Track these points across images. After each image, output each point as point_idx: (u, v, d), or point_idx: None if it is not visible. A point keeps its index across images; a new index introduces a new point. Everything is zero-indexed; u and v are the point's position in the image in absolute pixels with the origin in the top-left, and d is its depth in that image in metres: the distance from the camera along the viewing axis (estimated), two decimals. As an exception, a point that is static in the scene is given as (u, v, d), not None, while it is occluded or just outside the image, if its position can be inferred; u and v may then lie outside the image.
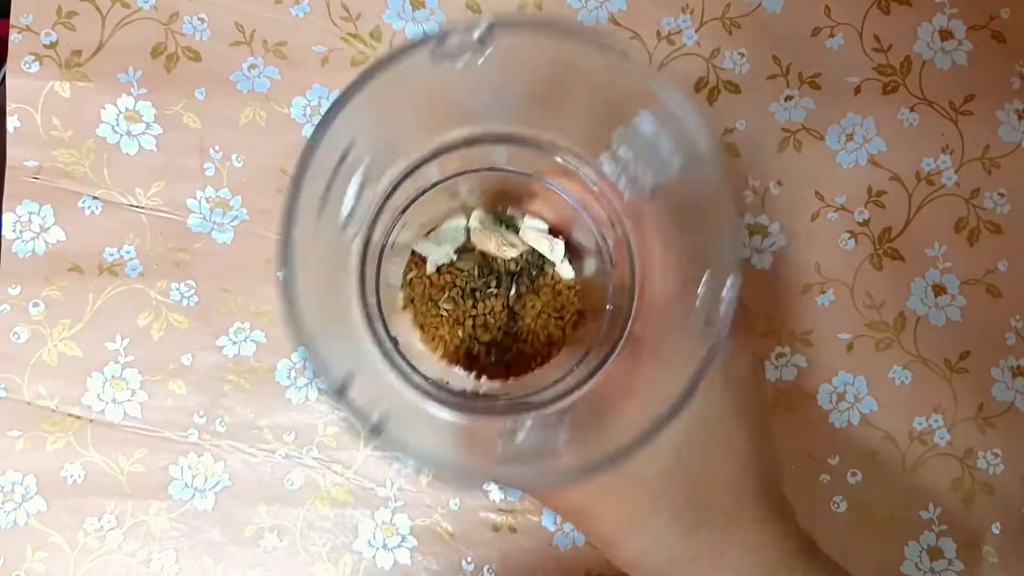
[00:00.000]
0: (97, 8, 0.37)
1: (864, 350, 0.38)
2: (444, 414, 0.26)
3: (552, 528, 0.37)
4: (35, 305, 0.37)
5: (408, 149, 0.27)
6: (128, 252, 0.37)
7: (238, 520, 0.37)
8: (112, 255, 0.37)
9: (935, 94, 0.38)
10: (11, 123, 0.37)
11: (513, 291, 0.32)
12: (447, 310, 0.32)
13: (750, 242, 0.38)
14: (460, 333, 0.32)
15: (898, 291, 0.38)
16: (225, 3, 0.37)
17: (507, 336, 0.32)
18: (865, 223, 0.38)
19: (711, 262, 0.22)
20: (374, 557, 0.37)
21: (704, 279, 0.21)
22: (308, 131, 0.37)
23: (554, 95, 0.26)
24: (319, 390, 0.22)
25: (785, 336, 0.38)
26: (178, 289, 0.37)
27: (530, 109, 0.26)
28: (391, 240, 0.29)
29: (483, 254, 0.32)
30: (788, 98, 0.38)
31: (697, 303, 0.22)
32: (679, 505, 0.27)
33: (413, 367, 0.27)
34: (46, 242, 0.37)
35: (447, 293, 0.32)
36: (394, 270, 0.32)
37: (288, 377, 0.37)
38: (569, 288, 0.32)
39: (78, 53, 0.37)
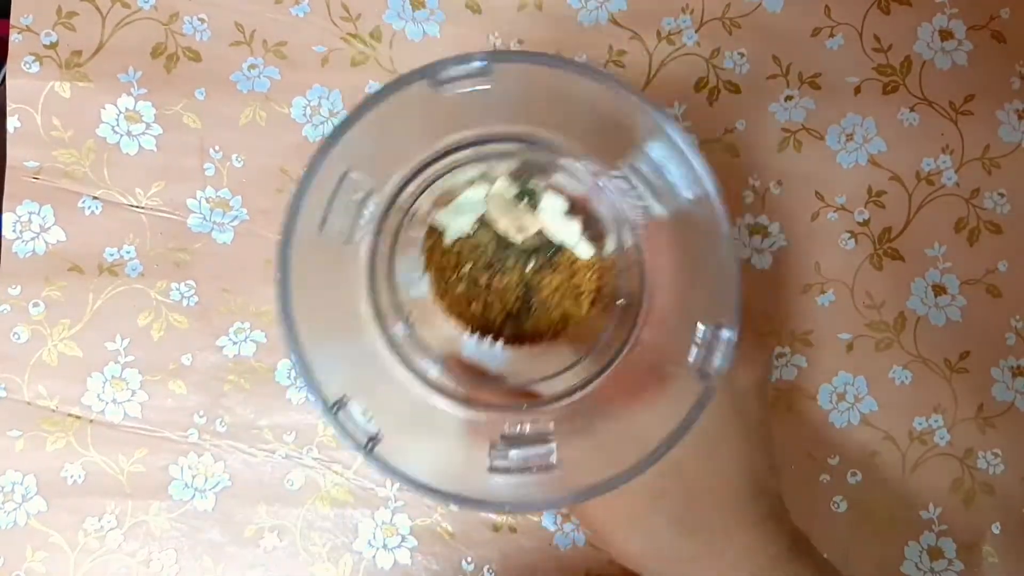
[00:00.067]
0: (97, 8, 0.37)
1: (864, 350, 0.38)
2: (448, 407, 0.26)
3: (552, 528, 0.37)
4: (35, 305, 0.37)
5: (414, 152, 0.27)
6: (128, 252, 0.37)
7: (238, 520, 0.37)
8: (112, 255, 0.37)
9: (935, 94, 0.38)
10: (11, 123, 0.37)
11: (530, 265, 0.32)
12: (464, 281, 0.32)
13: (750, 242, 0.38)
14: (475, 304, 0.33)
15: (898, 291, 0.38)
16: (225, 3, 0.37)
17: (523, 309, 0.33)
18: (865, 223, 0.38)
19: (708, 310, 0.22)
20: (374, 557, 0.37)
21: (701, 330, 0.22)
22: (308, 131, 0.37)
23: (561, 109, 0.26)
24: (319, 409, 0.22)
25: (785, 336, 0.38)
26: (178, 289, 0.37)
27: (537, 117, 0.26)
28: (413, 212, 0.29)
29: None
30: (788, 98, 0.38)
31: (691, 356, 0.22)
32: (677, 507, 0.27)
33: (423, 350, 0.27)
34: (46, 242, 0.37)
35: (464, 265, 0.33)
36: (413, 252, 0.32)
37: (288, 377, 0.37)
38: (587, 267, 0.33)
39: (78, 53, 0.37)
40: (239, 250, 0.37)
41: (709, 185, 0.22)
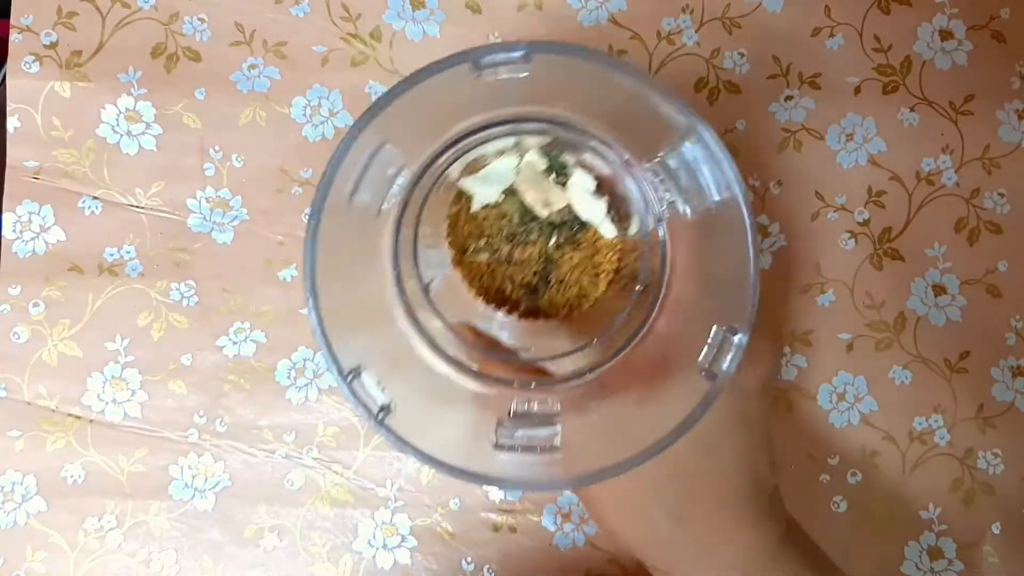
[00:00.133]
0: (97, 8, 0.37)
1: (864, 350, 0.38)
2: (460, 379, 0.26)
3: (552, 528, 0.37)
4: (35, 305, 0.37)
5: (448, 128, 0.27)
6: (128, 252, 0.37)
7: (238, 520, 0.37)
8: (112, 255, 0.37)
9: (935, 94, 0.38)
10: (11, 123, 0.37)
11: (553, 240, 0.32)
12: (485, 249, 0.33)
13: (750, 242, 0.38)
14: (496, 273, 0.33)
15: (898, 291, 0.38)
16: (225, 3, 0.37)
17: (541, 282, 0.33)
18: (865, 223, 0.38)
19: (723, 312, 0.23)
20: (374, 557, 0.37)
21: (713, 331, 0.22)
22: (308, 131, 0.37)
23: (595, 99, 0.26)
24: (335, 375, 0.23)
25: (785, 336, 0.38)
26: (178, 289, 0.37)
27: (571, 103, 0.26)
28: (443, 179, 0.30)
29: None
30: (788, 98, 0.38)
31: (701, 355, 0.23)
32: (675, 498, 0.28)
33: (441, 317, 0.28)
34: (46, 242, 0.37)
35: (487, 232, 0.33)
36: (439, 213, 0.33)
37: (288, 377, 0.37)
38: (609, 247, 0.33)
39: (78, 53, 0.37)
40: (239, 250, 0.37)
41: (738, 191, 0.22)
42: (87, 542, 0.37)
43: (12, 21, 0.37)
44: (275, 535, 0.37)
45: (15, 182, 0.37)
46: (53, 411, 0.37)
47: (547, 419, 0.25)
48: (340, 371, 0.22)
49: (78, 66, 0.37)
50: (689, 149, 0.23)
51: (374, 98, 0.22)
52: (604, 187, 0.32)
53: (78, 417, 0.37)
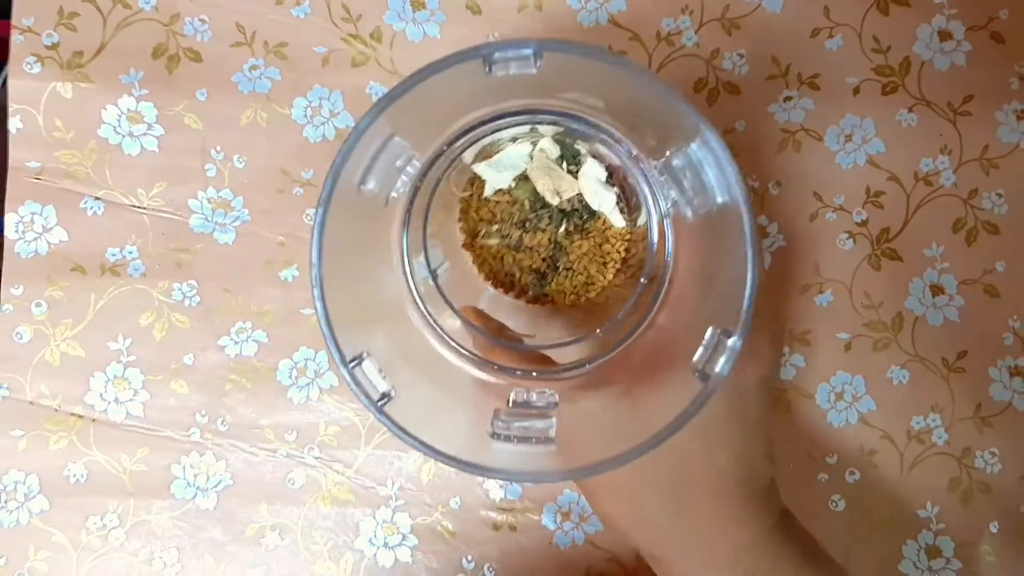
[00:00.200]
0: (98, 9, 0.37)
1: (862, 350, 0.38)
2: (463, 364, 0.27)
3: (552, 527, 0.37)
4: (37, 305, 0.37)
5: (458, 121, 0.27)
6: (130, 252, 0.37)
7: (240, 519, 0.37)
8: (114, 255, 0.37)
9: (934, 95, 0.38)
10: (13, 124, 0.37)
11: (563, 228, 0.33)
12: (496, 234, 0.33)
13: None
14: (505, 258, 0.34)
15: (896, 291, 0.38)
16: (226, 4, 0.37)
17: (549, 269, 0.34)
18: (863, 223, 0.38)
19: (720, 314, 0.23)
20: (375, 555, 0.37)
21: (709, 333, 0.22)
22: (309, 132, 0.38)
23: (605, 96, 0.26)
24: (337, 361, 0.23)
25: (785, 337, 0.38)
26: (180, 289, 0.37)
27: (581, 99, 0.27)
28: (456, 164, 0.30)
29: None
30: (787, 99, 0.38)
31: (696, 356, 0.23)
32: (668, 486, 0.28)
33: (447, 301, 0.28)
34: (48, 242, 0.37)
35: (498, 217, 0.33)
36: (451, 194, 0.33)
37: (290, 376, 0.37)
38: (618, 236, 0.33)
39: (80, 54, 0.37)
40: (240, 250, 0.38)
41: (739, 196, 0.22)
42: (89, 541, 0.37)
43: (13, 22, 0.37)
44: (277, 534, 0.37)
45: (17, 183, 0.37)
46: (56, 410, 0.37)
47: (543, 411, 0.25)
48: (342, 358, 0.23)
49: (79, 67, 0.37)
50: (695, 150, 0.23)
51: (375, 99, 0.22)
52: (615, 177, 0.33)
53: (80, 416, 0.37)
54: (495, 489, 0.38)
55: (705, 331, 0.23)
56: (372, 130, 0.22)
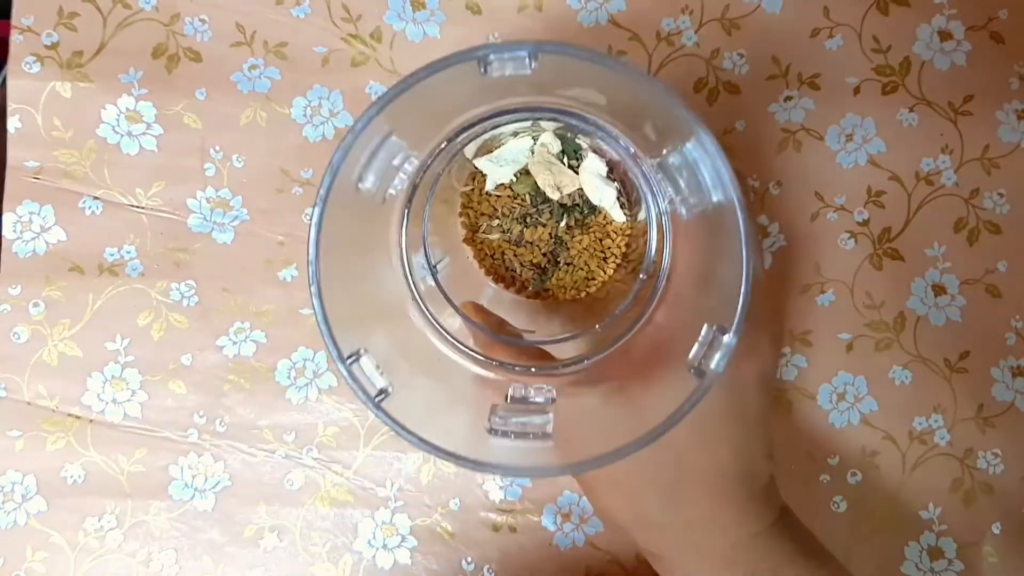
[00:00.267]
0: (98, 9, 0.37)
1: (864, 350, 0.38)
2: (462, 360, 0.27)
3: (552, 528, 0.37)
4: (35, 305, 0.37)
5: (455, 121, 0.28)
6: (128, 252, 0.37)
7: (238, 520, 0.37)
8: (112, 255, 0.37)
9: (934, 94, 0.38)
10: (12, 123, 0.37)
11: (563, 223, 0.33)
12: (497, 229, 0.33)
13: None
14: (506, 253, 0.34)
15: (898, 291, 0.38)
16: (226, 4, 0.37)
17: (550, 263, 0.34)
18: (865, 223, 0.38)
19: (717, 311, 0.23)
20: (374, 557, 0.37)
21: (704, 330, 0.23)
22: (308, 131, 0.37)
23: (602, 97, 0.26)
24: (334, 358, 0.23)
25: (785, 336, 0.38)
26: (178, 289, 0.37)
27: (579, 99, 0.27)
28: (456, 158, 0.30)
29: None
30: (787, 99, 0.38)
31: (691, 353, 0.23)
32: (666, 480, 0.28)
33: (447, 297, 0.28)
34: (46, 242, 0.37)
35: (499, 212, 0.34)
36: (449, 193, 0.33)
37: (288, 377, 0.37)
38: (618, 232, 0.33)
39: (79, 54, 0.37)
40: (239, 250, 0.37)
41: (734, 195, 0.22)
42: (87, 542, 0.37)
43: (13, 21, 0.37)
44: (275, 535, 0.37)
45: (16, 182, 0.37)
46: (53, 411, 0.37)
47: (541, 407, 0.25)
48: (340, 354, 0.23)
49: (79, 66, 0.37)
50: (691, 149, 0.23)
51: (374, 99, 0.22)
52: (615, 172, 0.33)
53: (78, 417, 0.37)
54: (495, 490, 0.37)
55: (701, 328, 0.23)
56: (370, 129, 0.23)
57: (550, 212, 0.34)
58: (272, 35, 0.37)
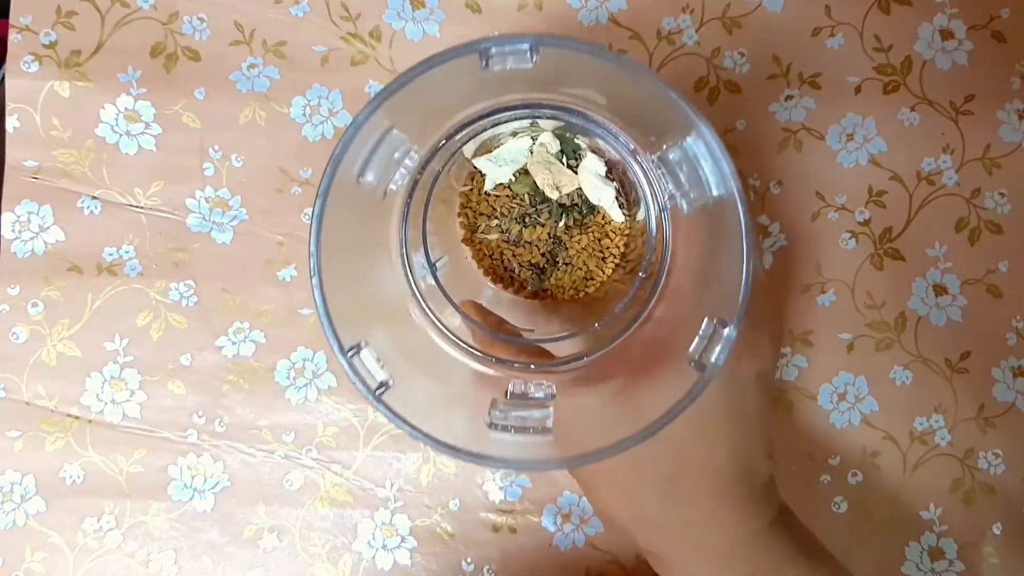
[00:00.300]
0: (96, 8, 0.37)
1: (865, 350, 0.37)
2: (462, 357, 0.27)
3: (552, 528, 0.37)
4: (34, 305, 0.37)
5: (457, 115, 0.28)
6: (127, 252, 0.37)
7: (237, 520, 0.37)
8: (111, 255, 0.37)
9: (935, 94, 0.38)
10: (10, 123, 0.37)
11: (562, 222, 0.33)
12: (496, 229, 0.33)
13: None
14: (505, 253, 0.34)
15: (899, 291, 0.38)
16: (225, 2, 0.37)
17: (549, 263, 0.34)
18: (866, 223, 0.38)
19: (717, 305, 0.23)
20: (374, 557, 0.37)
21: (705, 323, 0.23)
22: (308, 131, 0.37)
23: (602, 91, 0.26)
24: (335, 350, 0.23)
25: (785, 336, 0.38)
26: (177, 289, 0.37)
27: (579, 94, 0.27)
28: (455, 157, 0.30)
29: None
30: (788, 98, 0.38)
31: (692, 346, 0.23)
32: (663, 478, 0.28)
33: (447, 295, 0.28)
34: (45, 242, 0.37)
35: (498, 212, 0.34)
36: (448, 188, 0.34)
37: (287, 377, 0.37)
38: (617, 231, 0.33)
39: (77, 53, 0.37)
40: (238, 250, 0.37)
41: (734, 188, 0.22)
42: (86, 542, 0.37)
43: (11, 20, 0.37)
44: (274, 535, 0.37)
45: (14, 182, 0.37)
46: (52, 411, 0.37)
47: (541, 401, 0.25)
48: (340, 346, 0.23)
49: (77, 66, 0.37)
50: (691, 144, 0.23)
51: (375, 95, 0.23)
52: (614, 172, 0.33)
53: (77, 417, 0.37)
54: (495, 491, 0.37)
55: (701, 322, 0.23)
56: (371, 122, 0.23)
57: (549, 212, 0.34)
58: (271, 34, 0.37)
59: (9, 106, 0.37)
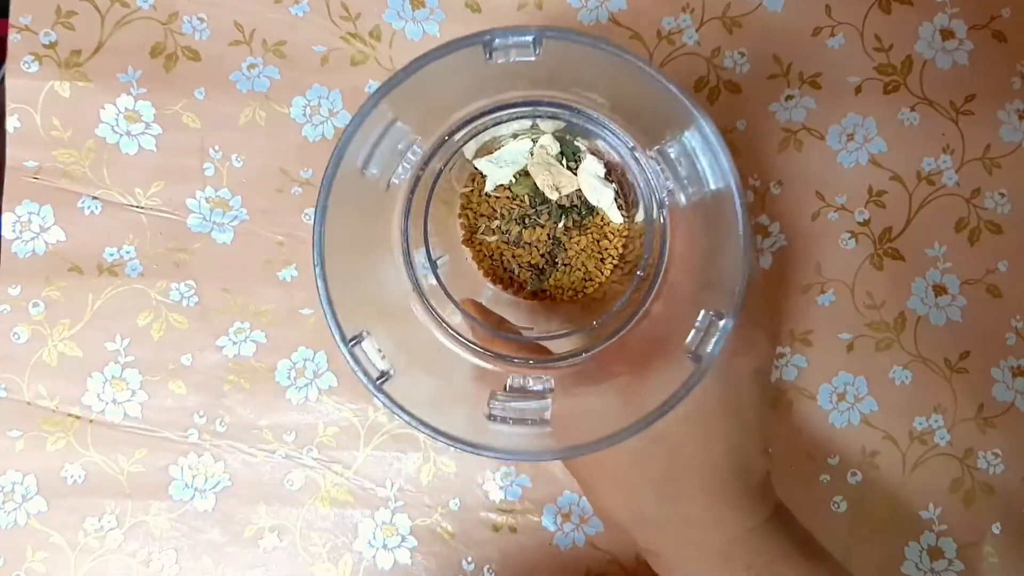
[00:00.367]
0: (96, 8, 0.37)
1: (864, 350, 0.37)
2: (462, 352, 0.27)
3: (552, 528, 0.37)
4: (35, 305, 0.37)
5: (460, 109, 0.28)
6: (128, 252, 0.37)
7: (238, 520, 0.37)
8: (112, 255, 0.37)
9: (936, 94, 0.38)
10: (11, 123, 0.37)
11: (561, 224, 0.33)
12: (495, 229, 0.33)
13: (750, 242, 0.38)
14: (504, 254, 0.34)
15: (898, 291, 0.38)
16: (224, 2, 0.37)
17: (548, 264, 0.34)
18: (865, 223, 0.38)
19: (713, 298, 0.23)
20: (374, 557, 0.37)
21: (701, 316, 0.23)
22: (308, 131, 0.37)
23: (603, 86, 0.26)
24: (336, 340, 0.23)
25: (785, 336, 0.38)
26: (178, 289, 0.37)
27: (580, 89, 0.27)
28: (457, 157, 0.30)
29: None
30: (789, 98, 0.38)
31: (688, 338, 0.23)
32: (660, 473, 0.28)
33: (448, 293, 0.28)
34: (46, 242, 0.37)
35: (499, 213, 0.34)
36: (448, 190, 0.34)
37: (288, 377, 0.37)
38: (615, 232, 0.33)
39: (77, 53, 0.37)
40: (239, 250, 0.37)
41: (732, 181, 0.22)
42: (87, 542, 0.37)
43: (11, 20, 0.37)
44: (275, 535, 0.37)
45: (15, 182, 0.37)
46: (53, 411, 0.37)
47: (539, 394, 0.25)
48: (343, 336, 0.23)
49: (77, 66, 0.37)
50: (689, 138, 0.23)
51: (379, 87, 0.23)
52: (613, 174, 0.33)
53: (78, 417, 0.37)
54: (495, 490, 0.37)
55: (698, 316, 0.23)
56: (375, 115, 0.23)
57: (548, 213, 0.34)
58: (271, 34, 0.37)
59: (9, 106, 0.37)
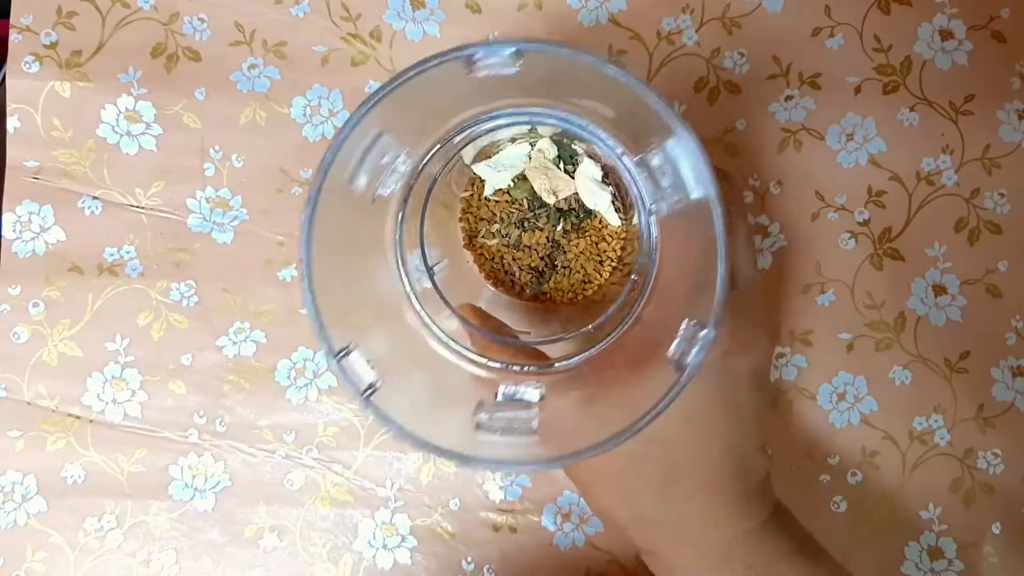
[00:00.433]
0: (97, 8, 0.37)
1: (864, 350, 0.38)
2: (457, 360, 0.27)
3: (552, 528, 0.37)
4: (35, 305, 0.37)
5: (446, 121, 0.28)
6: (128, 252, 0.37)
7: (238, 520, 0.37)
8: (112, 255, 0.37)
9: (935, 94, 0.38)
10: (11, 123, 0.37)
11: (560, 227, 0.33)
12: (495, 233, 0.33)
13: (750, 242, 0.38)
14: (504, 257, 0.34)
15: (898, 291, 0.38)
16: (225, 3, 0.37)
17: (547, 267, 0.34)
18: (865, 223, 0.38)
19: (699, 306, 0.23)
20: (374, 557, 0.37)
21: (684, 325, 0.23)
22: (308, 131, 0.37)
23: (587, 95, 0.26)
24: (324, 352, 0.23)
25: (785, 336, 0.38)
26: (178, 289, 0.37)
27: (566, 98, 0.27)
28: (455, 161, 0.30)
29: None
30: (788, 98, 0.38)
31: (671, 348, 0.23)
32: (658, 474, 0.28)
33: (444, 299, 0.28)
34: (46, 242, 0.37)
35: (498, 217, 0.34)
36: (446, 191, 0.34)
37: (288, 377, 0.37)
38: (614, 235, 0.34)
39: (78, 53, 0.37)
40: (239, 250, 0.37)
41: (711, 189, 0.22)
42: (87, 542, 0.37)
43: (12, 21, 0.37)
44: (275, 535, 0.37)
45: (15, 182, 0.37)
46: (53, 411, 0.37)
47: (526, 403, 0.25)
48: (330, 348, 0.23)
49: (78, 66, 0.37)
50: (672, 146, 0.23)
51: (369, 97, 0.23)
52: (611, 177, 0.33)
53: (78, 417, 0.37)
54: (495, 490, 0.37)
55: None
56: (362, 127, 0.23)
57: (547, 216, 0.34)
58: (271, 34, 0.37)
59: (10, 106, 0.37)
